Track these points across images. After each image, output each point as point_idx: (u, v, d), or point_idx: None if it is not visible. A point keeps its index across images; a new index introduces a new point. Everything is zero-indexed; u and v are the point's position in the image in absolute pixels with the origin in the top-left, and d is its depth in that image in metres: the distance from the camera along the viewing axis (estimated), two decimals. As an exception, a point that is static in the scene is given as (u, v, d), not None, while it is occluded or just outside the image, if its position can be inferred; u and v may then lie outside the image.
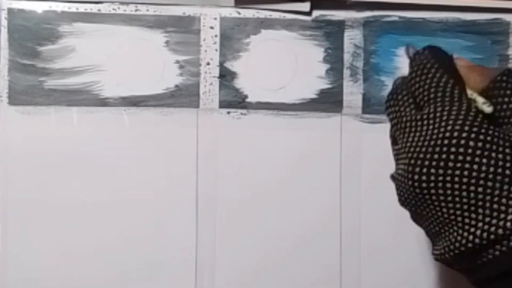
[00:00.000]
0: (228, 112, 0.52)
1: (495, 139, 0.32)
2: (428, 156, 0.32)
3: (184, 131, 0.52)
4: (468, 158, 0.31)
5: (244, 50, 0.53)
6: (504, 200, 0.31)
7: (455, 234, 0.33)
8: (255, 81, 0.53)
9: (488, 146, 0.31)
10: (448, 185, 0.32)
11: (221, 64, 0.53)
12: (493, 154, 0.31)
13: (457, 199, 0.32)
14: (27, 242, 0.51)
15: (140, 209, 0.52)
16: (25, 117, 0.52)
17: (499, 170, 0.31)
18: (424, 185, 0.33)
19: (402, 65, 0.53)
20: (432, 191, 0.32)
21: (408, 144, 0.34)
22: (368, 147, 0.53)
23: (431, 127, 0.33)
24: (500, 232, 0.31)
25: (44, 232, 0.51)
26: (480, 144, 0.31)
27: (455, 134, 0.32)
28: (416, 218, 0.36)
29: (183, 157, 0.52)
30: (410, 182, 0.33)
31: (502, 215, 0.31)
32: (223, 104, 0.52)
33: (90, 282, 0.52)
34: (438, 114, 0.33)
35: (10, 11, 0.52)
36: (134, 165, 0.52)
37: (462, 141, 0.32)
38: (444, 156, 0.32)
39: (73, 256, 0.52)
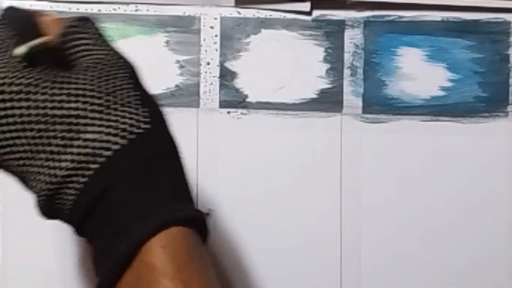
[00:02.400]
0: (228, 112, 0.53)
1: (35, 81, 0.32)
2: None
3: (184, 131, 0.52)
4: (10, 104, 0.31)
5: (244, 50, 0.53)
6: (56, 141, 0.31)
7: (31, 183, 0.33)
8: (255, 81, 0.53)
9: (27, 89, 0.31)
10: (5, 135, 0.32)
11: (221, 64, 0.53)
12: (36, 96, 0.31)
13: (17, 148, 0.32)
14: (27, 242, 0.51)
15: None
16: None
17: (43, 111, 0.31)
18: None
19: (403, 65, 0.53)
20: None
21: None
22: (368, 147, 0.52)
23: None
24: (62, 174, 0.31)
25: (44, 231, 0.51)
26: (18, 88, 0.31)
27: (3, 81, 0.32)
28: (14, 178, 0.36)
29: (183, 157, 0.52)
30: None
31: (58, 156, 0.31)
32: (223, 104, 0.53)
33: (89, 281, 0.52)
34: None
35: (11, 11, 0.52)
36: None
37: (2, 87, 0.31)
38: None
39: (73, 256, 0.52)
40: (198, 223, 0.32)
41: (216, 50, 0.53)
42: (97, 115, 0.32)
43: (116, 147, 0.31)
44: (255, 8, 0.53)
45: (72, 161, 0.31)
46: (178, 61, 0.52)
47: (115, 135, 0.31)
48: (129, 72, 0.35)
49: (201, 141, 0.52)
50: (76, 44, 0.35)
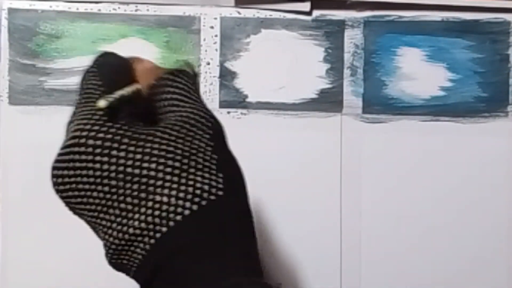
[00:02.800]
0: (228, 112, 0.53)
1: (116, 136, 0.31)
2: (61, 158, 0.32)
3: (184, 131, 0.52)
4: (89, 158, 0.31)
5: (244, 50, 0.53)
6: (129, 199, 0.31)
7: (101, 236, 0.33)
8: (255, 81, 0.53)
9: (107, 144, 0.31)
10: (80, 186, 0.32)
11: (221, 64, 0.53)
12: (113, 152, 0.31)
13: (91, 200, 0.32)
14: (27, 242, 0.51)
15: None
16: (25, 117, 0.52)
17: (120, 168, 0.31)
18: (61, 188, 0.32)
19: (403, 65, 0.53)
20: (70, 193, 0.32)
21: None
22: (368, 147, 0.53)
23: (71, 126, 0.33)
24: (131, 232, 0.31)
25: (44, 232, 0.51)
26: (98, 142, 0.31)
27: (77, 133, 0.32)
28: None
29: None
30: (54, 188, 0.33)
31: (130, 215, 0.31)
32: (223, 104, 0.52)
33: (90, 282, 0.52)
34: (76, 116, 0.33)
35: (11, 11, 0.52)
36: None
37: (82, 140, 0.31)
38: (70, 157, 0.31)
39: (73, 256, 0.52)
40: None
41: (216, 50, 0.53)
42: (172, 177, 0.31)
43: (187, 212, 0.31)
44: (255, 8, 0.53)
45: (142, 221, 0.31)
46: (178, 61, 0.52)
47: (187, 200, 0.31)
48: (212, 132, 0.34)
49: (201, 141, 0.52)
50: (165, 98, 0.34)
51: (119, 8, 0.52)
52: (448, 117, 0.53)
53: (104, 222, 0.32)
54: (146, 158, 0.31)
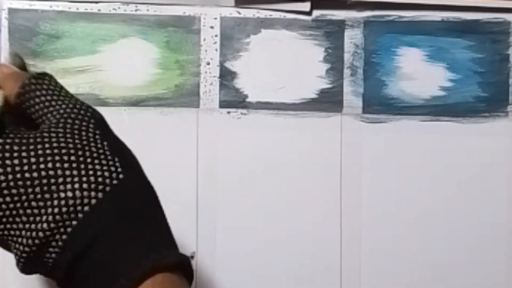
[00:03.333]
0: (228, 112, 0.52)
1: (6, 146, 0.32)
2: None
3: (184, 131, 0.52)
4: None
5: (244, 50, 0.53)
6: (33, 203, 0.31)
7: (12, 245, 0.33)
8: (255, 81, 0.53)
9: (1, 154, 0.31)
10: None
11: (221, 64, 0.53)
12: (8, 162, 0.31)
13: None
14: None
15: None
16: (25, 117, 0.52)
17: (18, 175, 0.31)
18: None
19: (403, 65, 0.53)
20: None
21: None
22: (368, 147, 0.52)
23: None
24: (42, 235, 0.31)
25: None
26: None
27: None
28: None
29: (183, 157, 0.52)
30: None
31: (38, 218, 0.31)
32: (223, 104, 0.52)
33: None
34: None
35: (11, 11, 0.52)
36: (134, 165, 0.52)
37: None
38: None
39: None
40: (183, 267, 0.32)
41: (216, 50, 0.53)
42: (71, 172, 0.31)
43: (93, 201, 0.31)
44: (255, 8, 0.53)
45: (51, 221, 0.31)
46: (178, 61, 0.52)
47: (91, 189, 0.31)
48: (95, 122, 0.34)
49: (201, 141, 0.52)
50: (37, 102, 0.35)
51: (119, 8, 0.52)
52: (448, 117, 0.53)
53: (12, 232, 0.32)
54: (41, 159, 0.31)
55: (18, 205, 0.31)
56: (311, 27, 0.53)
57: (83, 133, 0.33)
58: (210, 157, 0.52)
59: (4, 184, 0.31)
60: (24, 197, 0.31)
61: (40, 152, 0.32)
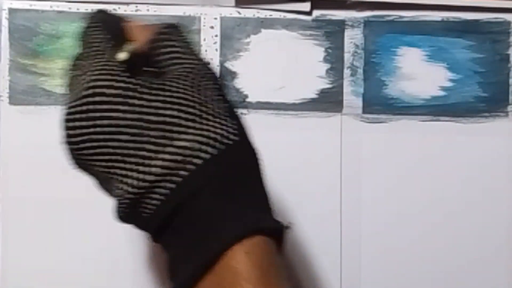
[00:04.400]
0: (228, 112, 0.52)
1: (134, 85, 0.32)
2: (74, 110, 0.32)
3: (184, 131, 0.52)
4: (108, 107, 0.32)
5: (244, 50, 0.53)
6: (149, 146, 0.32)
7: (116, 186, 0.33)
8: (255, 81, 0.53)
9: (125, 93, 0.32)
10: (98, 137, 0.32)
11: (221, 64, 0.53)
12: (134, 101, 0.32)
13: (110, 150, 0.32)
14: (27, 241, 0.51)
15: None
16: (25, 117, 0.52)
17: (140, 116, 0.32)
18: (77, 139, 0.33)
19: (403, 65, 0.53)
20: (87, 144, 0.32)
21: (67, 102, 0.34)
22: (368, 147, 0.52)
23: (83, 80, 0.33)
24: (151, 179, 0.31)
25: (44, 231, 0.52)
26: (117, 91, 0.32)
27: (93, 84, 0.32)
28: (94, 179, 0.36)
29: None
30: (66, 141, 0.33)
31: (149, 161, 0.32)
32: (223, 104, 0.52)
33: (90, 282, 0.52)
34: (88, 67, 0.33)
35: (11, 11, 0.52)
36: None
37: (100, 90, 0.32)
38: (87, 107, 0.32)
39: (73, 255, 0.52)
40: (278, 233, 0.33)
41: (216, 50, 0.53)
42: (190, 123, 0.32)
43: (207, 156, 0.32)
44: (255, 8, 0.53)
45: (163, 167, 0.31)
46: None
47: (207, 144, 0.32)
48: (217, 83, 0.35)
49: (201, 141, 0.52)
50: (166, 51, 0.35)
51: (119, 8, 0.52)
52: (448, 117, 0.53)
53: (121, 172, 0.32)
54: (164, 105, 0.32)
55: (136, 145, 0.32)
56: (311, 27, 0.53)
57: (206, 91, 0.34)
58: (210, 157, 0.52)
59: (123, 122, 0.32)
60: (141, 138, 0.32)
61: (162, 98, 0.32)
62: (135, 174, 0.32)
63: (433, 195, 0.52)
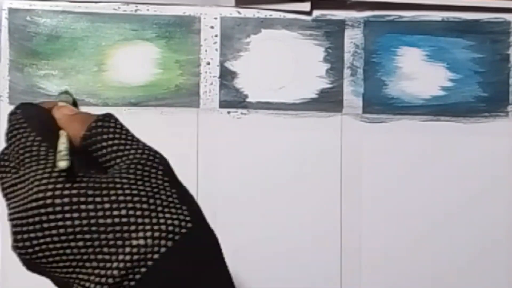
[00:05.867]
0: (229, 112, 0.53)
1: (81, 190, 0.32)
2: (24, 222, 0.32)
3: (184, 131, 0.52)
4: (59, 216, 0.31)
5: (245, 50, 0.53)
6: (105, 249, 0.31)
7: None
8: (256, 81, 0.53)
9: (75, 199, 0.31)
10: (52, 246, 0.32)
11: (221, 64, 0.53)
12: (82, 206, 0.31)
13: (65, 257, 0.32)
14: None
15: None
16: (25, 117, 0.52)
17: (92, 221, 0.31)
18: (29, 250, 0.32)
19: (403, 65, 0.53)
20: (40, 254, 0.32)
21: (11, 211, 0.33)
22: (369, 147, 0.52)
23: (23, 191, 0.33)
24: (111, 281, 0.31)
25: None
26: (66, 199, 0.31)
27: (40, 195, 0.31)
28: (51, 280, 0.35)
29: (183, 157, 0.52)
30: (18, 252, 0.33)
31: (108, 264, 0.31)
32: (223, 104, 0.52)
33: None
34: (26, 177, 0.33)
35: (11, 11, 0.52)
36: (134, 165, 0.52)
37: (49, 201, 0.31)
38: (38, 219, 0.31)
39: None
40: None
41: (216, 50, 0.53)
42: (143, 220, 0.31)
43: (163, 249, 0.31)
44: (255, 8, 0.53)
45: (121, 268, 0.31)
46: (178, 61, 0.52)
47: (162, 238, 0.31)
48: (163, 168, 0.34)
49: (201, 141, 0.52)
50: (105, 146, 0.34)
51: (119, 8, 0.52)
52: (448, 117, 0.53)
53: (81, 276, 0.32)
54: (115, 205, 0.31)
55: (90, 250, 0.31)
56: (311, 27, 0.53)
57: (153, 180, 0.33)
58: (210, 157, 0.52)
59: (78, 229, 0.31)
60: (96, 243, 0.31)
61: (113, 198, 0.32)
62: (95, 278, 0.31)
63: (433, 195, 0.52)
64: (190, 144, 0.52)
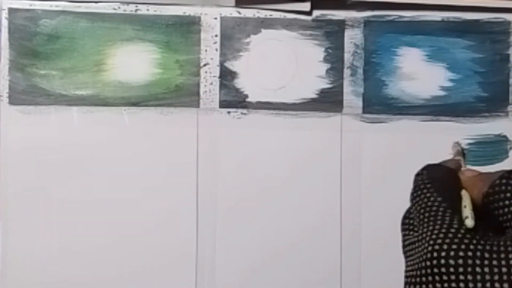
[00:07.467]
0: (229, 112, 0.53)
1: (477, 252, 0.31)
2: (418, 280, 0.33)
3: (184, 131, 0.52)
4: (452, 277, 0.31)
5: (245, 50, 0.53)
6: None
7: None
8: (256, 81, 0.53)
9: (470, 261, 0.31)
10: None
11: (221, 64, 0.53)
12: (477, 269, 0.31)
13: None
14: (28, 241, 0.51)
15: (140, 209, 0.52)
16: (25, 116, 0.52)
17: (487, 285, 0.30)
18: None
19: (402, 65, 0.53)
20: None
21: (407, 268, 0.35)
22: (369, 147, 0.52)
23: (420, 249, 0.33)
24: None
25: (44, 231, 0.52)
26: (460, 261, 0.31)
27: (435, 254, 0.32)
28: None
29: (183, 157, 0.52)
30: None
31: None
32: (223, 104, 0.52)
33: (90, 280, 0.52)
34: (424, 236, 0.33)
35: (11, 11, 0.52)
36: (134, 165, 0.52)
37: (442, 261, 0.31)
38: (430, 278, 0.32)
39: (73, 255, 0.52)
40: None
41: (216, 50, 0.53)
42: None
43: None
44: (255, 8, 0.53)
45: None
46: (178, 61, 0.52)
47: None
48: None
49: (201, 141, 0.52)
50: (508, 204, 0.33)
51: (119, 8, 0.52)
52: (448, 117, 0.53)
53: None
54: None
55: None
56: (311, 27, 0.53)
57: None
58: (210, 157, 0.52)
59: None
60: None
61: (511, 262, 0.30)
62: None
63: (433, 195, 0.52)
64: (190, 144, 0.52)
